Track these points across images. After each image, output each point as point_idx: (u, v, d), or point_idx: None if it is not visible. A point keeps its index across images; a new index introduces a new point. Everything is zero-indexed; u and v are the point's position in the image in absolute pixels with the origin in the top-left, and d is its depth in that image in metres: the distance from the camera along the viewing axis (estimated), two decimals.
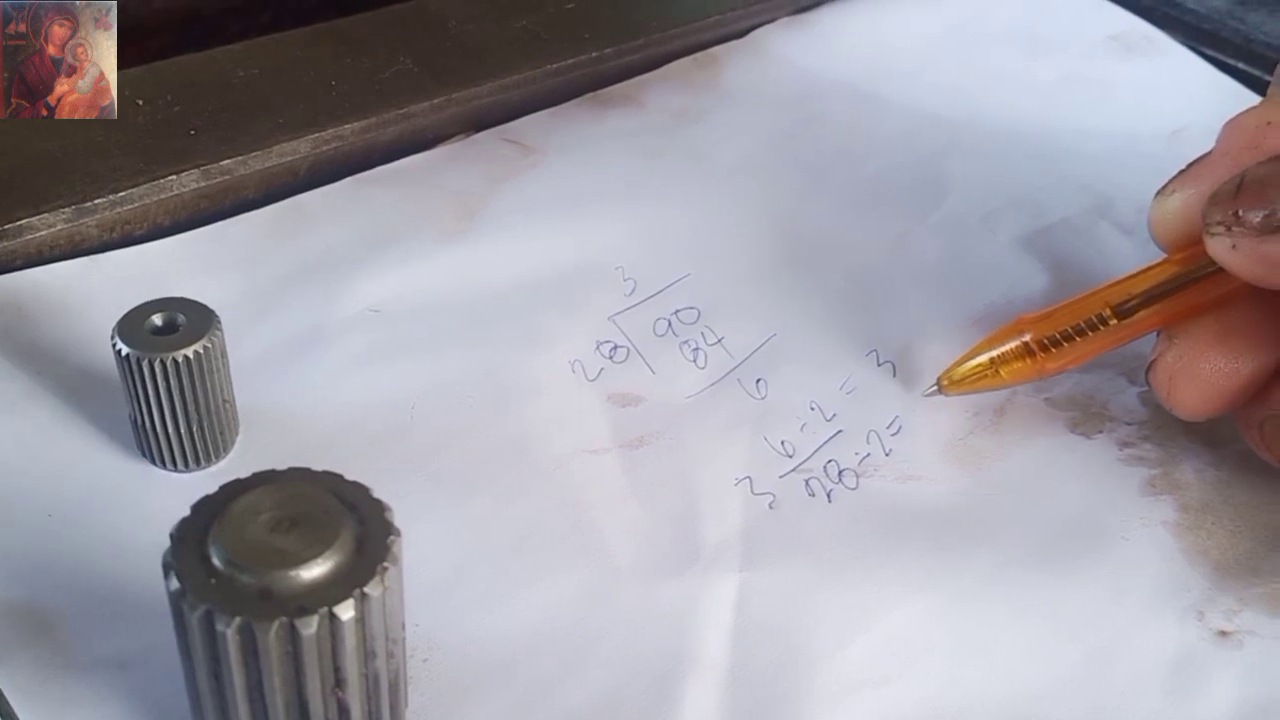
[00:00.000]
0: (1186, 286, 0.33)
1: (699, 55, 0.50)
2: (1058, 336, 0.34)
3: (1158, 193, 0.34)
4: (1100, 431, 0.36)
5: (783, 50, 0.51)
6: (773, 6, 0.52)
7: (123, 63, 0.44)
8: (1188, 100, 0.50)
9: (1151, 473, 0.35)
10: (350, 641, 0.24)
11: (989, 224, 0.43)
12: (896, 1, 0.54)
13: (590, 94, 0.47)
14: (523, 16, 0.49)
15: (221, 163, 0.41)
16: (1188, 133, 0.47)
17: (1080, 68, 0.51)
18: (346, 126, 0.43)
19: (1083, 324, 0.34)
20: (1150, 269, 0.34)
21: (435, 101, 0.45)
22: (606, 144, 0.45)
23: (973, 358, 0.35)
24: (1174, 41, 0.52)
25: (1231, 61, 0.52)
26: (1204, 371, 0.33)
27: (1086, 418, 0.37)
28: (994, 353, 0.35)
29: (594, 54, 0.48)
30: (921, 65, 0.51)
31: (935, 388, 0.36)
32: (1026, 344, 0.35)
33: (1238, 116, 0.33)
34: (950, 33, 0.52)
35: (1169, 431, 0.36)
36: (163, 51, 0.46)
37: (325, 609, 0.23)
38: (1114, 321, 0.34)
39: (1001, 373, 0.35)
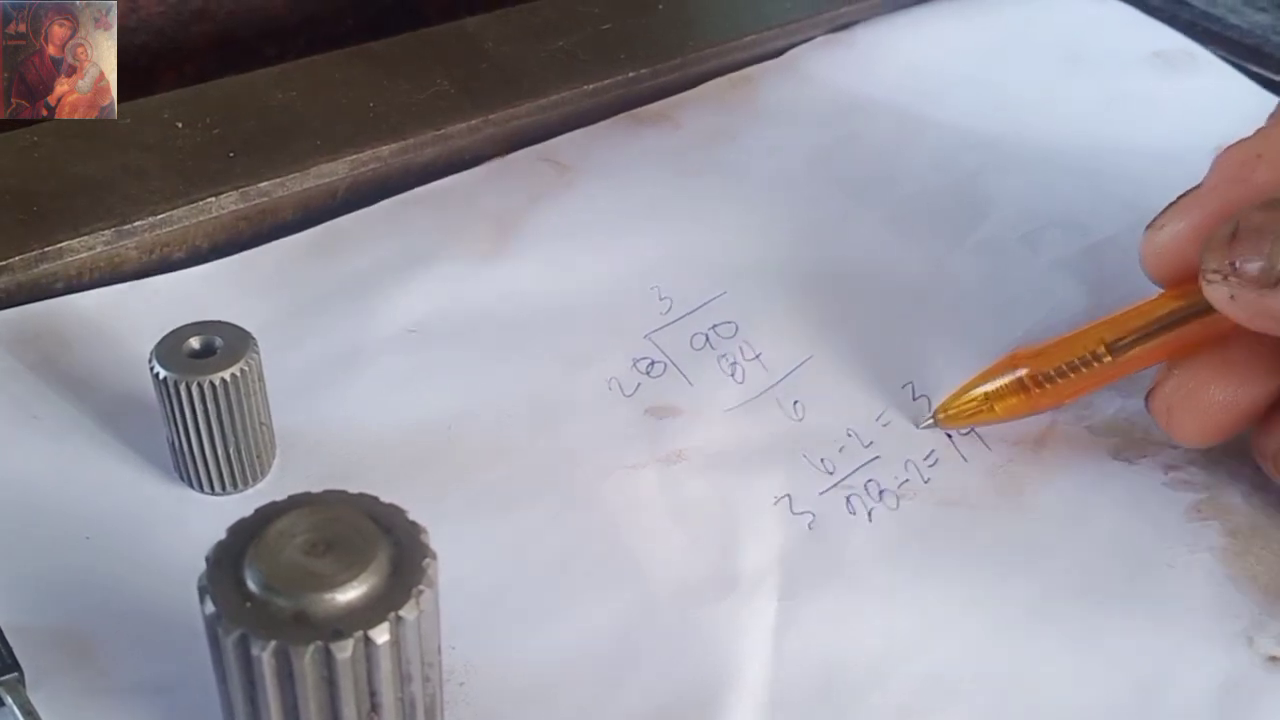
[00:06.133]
0: (1182, 323, 0.33)
1: (734, 75, 0.49)
2: (1052, 373, 0.34)
3: (1148, 226, 0.33)
4: (1144, 457, 0.36)
5: (819, 70, 0.50)
6: (809, 26, 0.52)
7: (160, 86, 0.45)
8: (1231, 118, 0.49)
9: (1197, 498, 0.34)
10: (385, 665, 0.23)
11: (1030, 244, 0.42)
12: (934, 20, 0.53)
13: (626, 113, 0.47)
14: (559, 37, 0.49)
15: (260, 184, 0.41)
16: None
17: (1122, 85, 0.50)
18: (384, 148, 0.43)
19: (1077, 361, 0.34)
20: (1146, 304, 0.34)
21: (472, 123, 0.45)
22: (642, 163, 0.45)
23: (968, 392, 0.35)
24: (1217, 58, 0.52)
25: (1275, 77, 0.51)
26: (1202, 402, 0.33)
27: (1129, 444, 0.36)
28: (988, 387, 0.35)
29: (630, 74, 0.48)
30: (960, 83, 0.50)
31: (931, 420, 0.36)
32: (1021, 379, 0.34)
33: (1230, 148, 0.33)
34: (989, 51, 0.52)
35: (1214, 455, 0.35)
36: (199, 75, 0.47)
37: (360, 633, 0.23)
38: (1108, 359, 0.33)
39: (996, 408, 0.35)
